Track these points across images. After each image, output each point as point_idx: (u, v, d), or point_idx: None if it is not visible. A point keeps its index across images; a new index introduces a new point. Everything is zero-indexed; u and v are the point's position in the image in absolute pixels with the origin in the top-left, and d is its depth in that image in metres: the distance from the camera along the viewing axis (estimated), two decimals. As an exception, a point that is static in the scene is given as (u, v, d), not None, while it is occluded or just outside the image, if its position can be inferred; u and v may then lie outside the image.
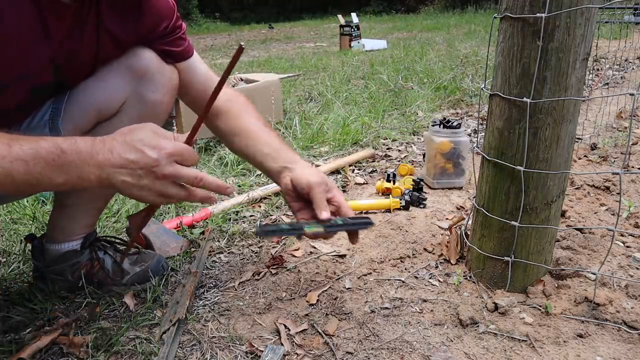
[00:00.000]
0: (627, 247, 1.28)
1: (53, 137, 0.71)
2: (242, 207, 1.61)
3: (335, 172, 1.96)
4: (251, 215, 1.57)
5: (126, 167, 0.73)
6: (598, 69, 4.02)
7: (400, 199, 1.59)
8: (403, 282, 1.16)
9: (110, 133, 0.99)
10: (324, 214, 0.93)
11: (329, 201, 0.97)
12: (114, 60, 0.98)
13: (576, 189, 1.63)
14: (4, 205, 1.61)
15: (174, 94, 1.06)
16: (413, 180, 1.67)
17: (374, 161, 2.12)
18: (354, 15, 7.22)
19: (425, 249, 1.31)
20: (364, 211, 1.58)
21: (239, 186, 1.80)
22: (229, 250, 1.36)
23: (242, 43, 0.75)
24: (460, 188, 1.75)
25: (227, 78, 0.77)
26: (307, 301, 1.10)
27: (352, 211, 0.98)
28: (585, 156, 1.99)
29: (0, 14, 0.74)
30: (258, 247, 1.37)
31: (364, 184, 1.85)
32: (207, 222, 1.51)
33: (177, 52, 1.04)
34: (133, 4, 0.94)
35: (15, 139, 0.68)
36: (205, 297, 1.13)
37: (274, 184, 1.73)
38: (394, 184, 1.70)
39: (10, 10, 0.75)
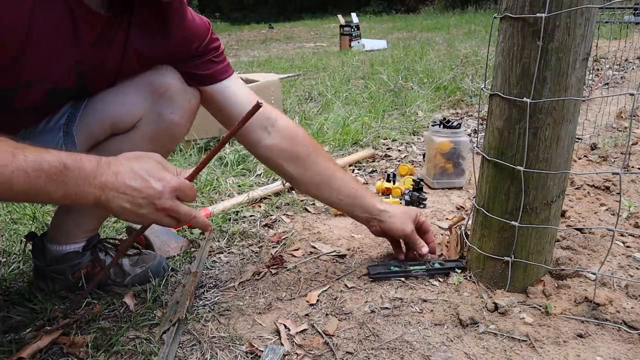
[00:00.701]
0: (627, 247, 1.28)
1: (59, 151, 0.71)
2: (242, 207, 1.61)
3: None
4: (251, 215, 1.57)
5: (128, 194, 0.74)
6: (598, 69, 4.02)
7: (400, 199, 1.59)
8: (403, 282, 1.16)
9: (123, 147, 0.99)
10: (424, 250, 1.17)
11: (419, 228, 1.19)
12: (136, 75, 0.98)
13: (576, 189, 1.63)
14: (4, 205, 1.61)
15: (193, 117, 1.06)
16: (413, 180, 1.67)
17: (374, 161, 2.12)
18: (354, 15, 7.23)
19: (425, 249, 1.31)
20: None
21: (239, 186, 1.80)
22: (229, 250, 1.36)
23: (259, 101, 0.78)
24: (460, 188, 1.75)
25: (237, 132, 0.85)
26: (307, 301, 1.10)
27: (430, 230, 1.22)
28: (585, 156, 1.99)
29: (34, 14, 0.75)
30: (258, 247, 1.37)
31: (364, 184, 1.85)
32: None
33: (203, 75, 1.02)
34: (162, 23, 0.94)
35: (21, 148, 0.68)
36: (205, 297, 1.13)
37: (274, 184, 1.74)
38: (394, 184, 1.70)
39: (45, 11, 0.77)
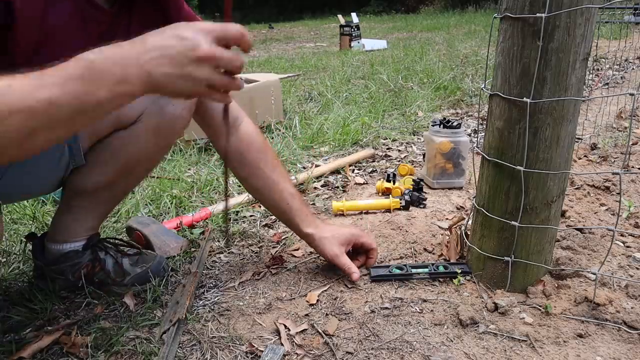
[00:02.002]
0: (627, 247, 1.28)
1: (75, 56, 0.66)
2: (242, 207, 1.61)
3: (335, 172, 1.96)
4: (251, 215, 1.57)
5: (164, 54, 0.66)
6: (598, 69, 4.02)
7: (400, 199, 1.59)
8: (403, 282, 1.16)
9: (126, 141, 1.03)
10: (354, 276, 1.14)
11: (361, 246, 1.19)
12: None
13: (576, 189, 1.63)
14: (5, 205, 1.61)
15: (193, 109, 1.08)
16: (413, 180, 1.67)
17: (374, 161, 2.12)
18: (354, 15, 7.23)
19: (425, 249, 1.31)
20: (363, 211, 1.58)
21: (239, 186, 1.80)
22: (229, 250, 1.36)
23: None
24: (460, 188, 1.75)
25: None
26: (307, 301, 1.10)
27: (375, 248, 1.21)
28: (585, 156, 1.99)
29: (47, 9, 0.78)
30: (258, 247, 1.37)
31: (364, 184, 1.85)
32: (207, 222, 1.51)
33: None
34: (162, 16, 0.95)
35: (44, 71, 0.65)
36: (205, 297, 1.13)
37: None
38: (394, 184, 1.70)
39: (56, 6, 0.79)
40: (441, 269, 1.17)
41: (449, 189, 1.74)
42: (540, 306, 1.03)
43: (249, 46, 0.72)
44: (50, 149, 1.01)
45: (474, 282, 1.14)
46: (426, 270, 1.16)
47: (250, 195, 1.56)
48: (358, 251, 1.20)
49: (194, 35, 0.66)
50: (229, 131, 1.05)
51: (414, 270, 1.16)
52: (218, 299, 1.13)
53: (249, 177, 1.15)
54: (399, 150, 2.27)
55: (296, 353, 0.93)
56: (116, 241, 1.21)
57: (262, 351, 0.93)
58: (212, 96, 0.73)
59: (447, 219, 1.49)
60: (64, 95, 0.63)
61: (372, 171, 1.98)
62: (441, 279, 1.16)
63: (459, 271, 1.15)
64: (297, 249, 1.34)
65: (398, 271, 1.17)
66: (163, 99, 1.02)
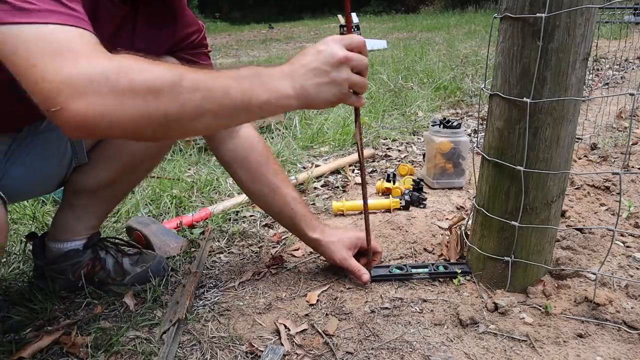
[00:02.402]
0: (627, 247, 1.28)
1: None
2: (242, 207, 1.61)
3: (335, 172, 1.96)
4: (251, 215, 1.57)
5: (310, 68, 0.77)
6: (598, 69, 4.02)
7: (400, 199, 1.59)
8: (403, 281, 1.16)
9: (127, 140, 1.01)
10: (364, 278, 1.12)
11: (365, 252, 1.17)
12: None
13: (576, 189, 1.63)
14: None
15: None
16: (413, 180, 1.67)
17: (374, 161, 2.12)
18: (354, 15, 7.20)
19: (425, 249, 1.31)
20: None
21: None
22: (229, 250, 1.36)
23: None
24: (460, 188, 1.75)
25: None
26: (307, 301, 1.10)
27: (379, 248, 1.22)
28: (585, 156, 1.99)
29: None
30: (258, 247, 1.37)
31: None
32: (207, 222, 1.51)
33: (204, 66, 1.07)
34: (168, 13, 0.99)
35: (218, 70, 0.74)
36: (205, 297, 1.13)
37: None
38: (394, 184, 1.70)
39: None
40: (441, 269, 1.17)
41: (449, 189, 1.74)
42: (540, 306, 1.03)
43: (366, 52, 0.85)
44: (53, 146, 1.01)
45: (474, 282, 1.14)
46: (426, 270, 1.16)
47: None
48: (362, 253, 1.19)
49: (328, 46, 0.79)
50: (361, 138, 1.02)
51: (413, 270, 1.16)
52: (218, 299, 1.13)
53: (251, 182, 1.14)
54: (399, 150, 2.27)
55: (296, 353, 0.93)
56: (117, 241, 1.22)
57: (262, 351, 0.93)
58: (350, 99, 0.85)
59: (447, 219, 1.49)
60: (237, 88, 0.70)
61: (372, 171, 1.98)
62: (441, 279, 1.16)
63: (459, 271, 1.14)
64: (297, 249, 1.34)
65: (398, 271, 1.17)
66: None
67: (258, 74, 0.74)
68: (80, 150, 1.04)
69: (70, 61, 0.60)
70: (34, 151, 0.99)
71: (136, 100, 0.62)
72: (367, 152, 2.14)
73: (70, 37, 0.62)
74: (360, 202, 1.59)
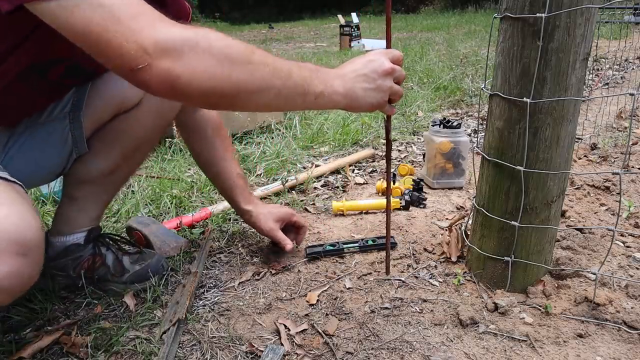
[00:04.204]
0: (627, 247, 1.28)
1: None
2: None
3: (335, 172, 1.96)
4: (251, 215, 1.57)
5: (360, 74, 0.85)
6: (598, 69, 4.02)
7: (400, 199, 1.59)
8: (403, 282, 1.16)
9: (129, 123, 1.08)
10: (287, 247, 1.24)
11: (294, 224, 1.29)
12: None
13: (576, 189, 1.63)
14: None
15: None
16: (413, 180, 1.67)
17: (374, 161, 2.12)
18: (354, 15, 7.22)
19: (425, 249, 1.31)
20: (363, 211, 1.58)
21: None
22: (229, 250, 1.36)
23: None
24: (460, 188, 1.75)
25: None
26: (307, 301, 1.10)
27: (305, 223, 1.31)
28: (585, 156, 1.99)
29: None
30: (258, 247, 1.37)
31: (364, 184, 1.85)
32: (207, 222, 1.51)
33: None
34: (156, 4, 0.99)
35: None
36: (205, 297, 1.13)
37: (274, 184, 1.75)
38: (394, 184, 1.70)
39: None
40: (370, 242, 1.30)
41: (449, 189, 1.74)
42: (540, 306, 1.03)
43: (402, 64, 0.93)
44: (53, 137, 1.02)
45: (474, 282, 1.14)
46: (356, 245, 1.29)
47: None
48: (290, 229, 1.31)
49: (378, 57, 0.88)
50: (390, 147, 1.08)
51: (345, 246, 1.29)
52: (218, 299, 1.13)
53: (203, 150, 1.23)
54: (399, 150, 2.27)
55: (296, 353, 0.93)
56: (117, 238, 1.22)
57: (262, 351, 0.93)
58: (385, 107, 0.92)
59: (447, 219, 1.49)
60: (299, 74, 0.77)
61: (372, 171, 1.98)
62: (440, 279, 1.16)
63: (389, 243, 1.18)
64: (298, 249, 1.34)
65: (331, 248, 1.28)
66: None
67: (315, 68, 0.81)
68: (81, 140, 1.05)
69: (149, 24, 0.66)
70: (34, 142, 0.99)
71: (215, 64, 0.68)
72: (367, 152, 2.14)
73: (139, 2, 0.67)
74: (360, 202, 1.59)
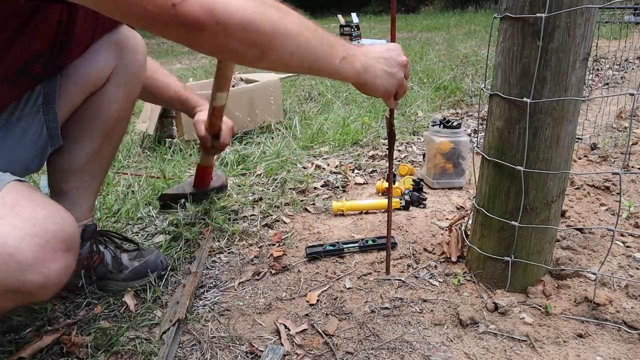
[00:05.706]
0: (627, 247, 1.28)
1: None
2: (242, 207, 1.61)
3: (336, 172, 1.96)
4: (251, 215, 1.57)
5: (380, 57, 0.90)
6: (598, 69, 4.01)
7: (400, 199, 1.59)
8: (403, 282, 1.16)
9: (102, 101, 1.12)
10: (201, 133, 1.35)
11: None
12: (99, 39, 1.07)
13: (576, 189, 1.63)
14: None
15: (146, 57, 1.19)
16: (413, 180, 1.67)
17: (374, 161, 2.12)
18: (354, 15, 7.21)
19: (425, 249, 1.31)
20: (363, 211, 1.58)
21: (239, 186, 1.80)
22: (229, 250, 1.36)
23: None
24: (460, 188, 1.75)
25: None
26: (307, 301, 1.10)
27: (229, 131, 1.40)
28: (585, 156, 1.99)
29: None
30: (258, 247, 1.37)
31: (364, 184, 1.85)
32: (207, 222, 1.51)
33: None
34: None
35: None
36: (205, 297, 1.13)
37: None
38: (394, 183, 1.70)
39: None
40: (370, 242, 1.31)
41: (449, 189, 1.74)
42: (540, 306, 1.03)
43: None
44: (28, 130, 1.00)
45: (474, 282, 1.14)
46: (356, 245, 1.30)
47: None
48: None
49: (396, 48, 0.94)
50: (393, 141, 1.10)
51: (345, 246, 1.30)
52: (218, 299, 1.13)
53: (150, 79, 1.27)
54: (399, 150, 2.27)
55: (296, 353, 0.93)
56: (114, 235, 1.21)
57: (262, 351, 0.93)
58: (391, 99, 0.96)
59: (447, 219, 1.49)
60: (319, 38, 0.77)
61: (372, 171, 1.98)
62: (440, 279, 1.16)
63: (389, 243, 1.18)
64: (298, 250, 1.34)
65: (331, 248, 1.29)
66: (127, 55, 1.10)
67: (341, 41, 0.83)
68: (55, 132, 1.03)
69: None
70: (8, 137, 0.96)
71: (254, 5, 0.67)
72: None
73: None
74: (360, 202, 1.59)
